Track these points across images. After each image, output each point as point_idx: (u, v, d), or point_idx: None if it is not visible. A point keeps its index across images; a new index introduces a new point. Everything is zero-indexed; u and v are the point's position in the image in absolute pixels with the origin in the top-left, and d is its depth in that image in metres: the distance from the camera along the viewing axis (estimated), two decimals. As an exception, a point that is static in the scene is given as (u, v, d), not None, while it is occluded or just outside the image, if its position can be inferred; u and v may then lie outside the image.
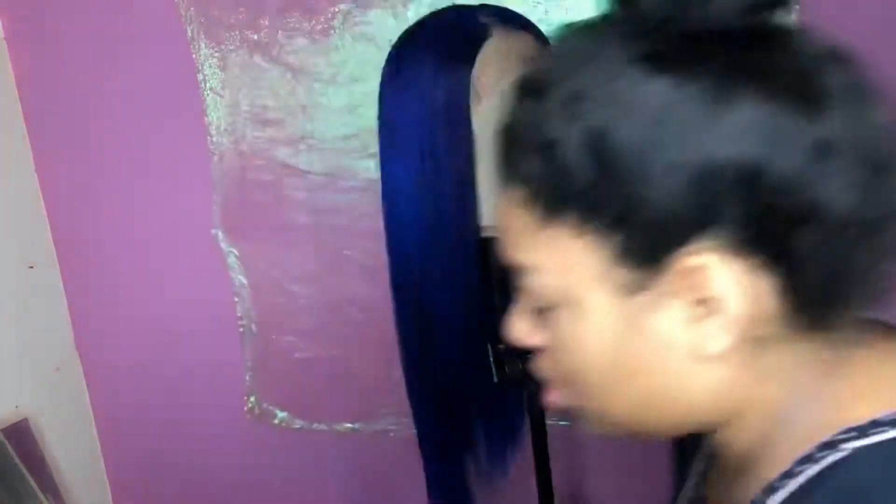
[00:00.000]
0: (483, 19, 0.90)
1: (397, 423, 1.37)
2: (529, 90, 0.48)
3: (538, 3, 1.16)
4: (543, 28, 0.99)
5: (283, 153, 1.29)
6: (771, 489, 0.46)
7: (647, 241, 0.44)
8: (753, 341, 0.45)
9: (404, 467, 1.37)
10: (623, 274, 0.45)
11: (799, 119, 0.42)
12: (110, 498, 1.52)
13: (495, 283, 1.00)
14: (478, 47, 0.87)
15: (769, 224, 0.42)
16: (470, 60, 0.87)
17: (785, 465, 0.46)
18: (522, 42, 0.89)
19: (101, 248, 1.40)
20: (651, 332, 0.46)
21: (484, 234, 0.95)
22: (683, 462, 0.71)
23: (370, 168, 1.27)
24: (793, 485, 0.45)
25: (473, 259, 0.93)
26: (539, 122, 0.46)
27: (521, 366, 0.98)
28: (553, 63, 0.50)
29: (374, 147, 1.24)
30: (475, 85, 0.87)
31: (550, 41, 0.95)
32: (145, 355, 1.44)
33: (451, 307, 0.97)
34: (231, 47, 1.27)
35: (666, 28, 0.44)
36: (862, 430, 0.43)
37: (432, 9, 1.17)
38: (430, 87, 0.88)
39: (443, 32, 0.91)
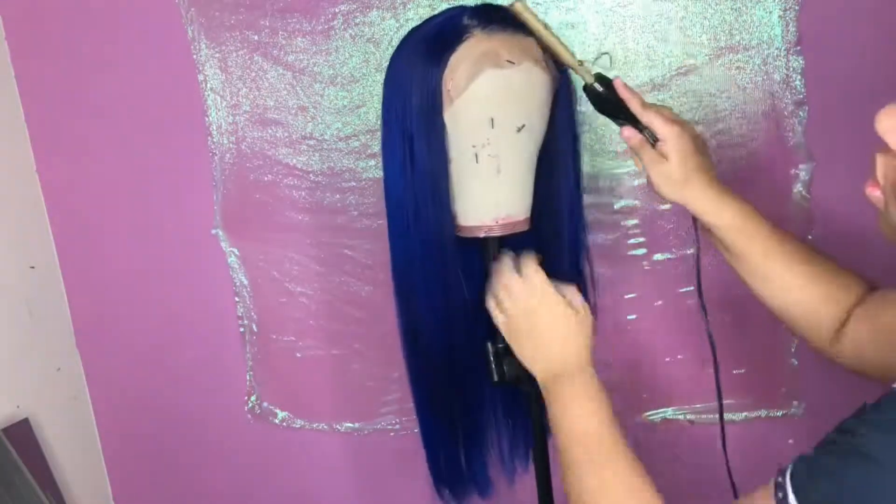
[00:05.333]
0: (466, 21, 0.90)
1: (397, 423, 1.37)
2: None
3: (538, 3, 1.17)
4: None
5: (283, 153, 1.29)
6: None
7: None
8: None
9: (404, 467, 1.37)
10: None
11: None
12: (110, 498, 1.52)
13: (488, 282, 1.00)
14: (450, 51, 0.88)
15: None
16: (440, 63, 0.88)
17: None
18: (498, 43, 0.89)
19: (102, 249, 1.41)
20: None
21: (467, 234, 0.95)
22: None
23: (370, 168, 1.27)
24: None
25: (448, 255, 0.95)
26: None
27: (519, 365, 0.99)
28: None
29: (374, 147, 1.25)
30: (446, 86, 0.88)
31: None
32: (145, 355, 1.44)
33: (429, 300, 0.98)
34: (232, 48, 1.27)
35: None
36: None
37: (431, 9, 1.18)
38: (408, 89, 0.90)
39: (426, 36, 0.93)
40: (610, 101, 0.92)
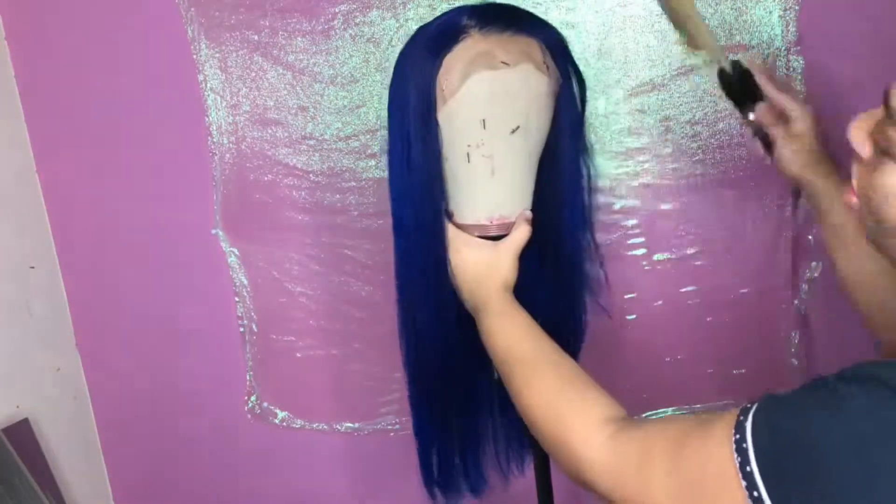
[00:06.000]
0: (465, 21, 0.90)
1: (397, 423, 1.38)
2: None
3: (538, 3, 1.17)
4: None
5: (283, 153, 1.29)
6: None
7: None
8: None
9: (404, 467, 1.37)
10: None
11: None
12: (110, 498, 1.52)
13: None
14: (446, 51, 0.89)
15: None
16: (435, 63, 0.89)
17: None
18: (494, 44, 0.89)
19: (102, 248, 1.41)
20: None
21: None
22: None
23: (370, 168, 1.27)
24: None
25: (442, 255, 0.95)
26: None
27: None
28: None
29: (374, 147, 1.25)
30: (440, 86, 0.88)
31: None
32: (145, 355, 1.44)
33: (427, 299, 0.98)
34: (232, 48, 1.27)
35: None
36: None
37: (431, 9, 1.18)
38: (406, 88, 0.91)
39: (425, 36, 0.93)
40: (739, 86, 1.00)
